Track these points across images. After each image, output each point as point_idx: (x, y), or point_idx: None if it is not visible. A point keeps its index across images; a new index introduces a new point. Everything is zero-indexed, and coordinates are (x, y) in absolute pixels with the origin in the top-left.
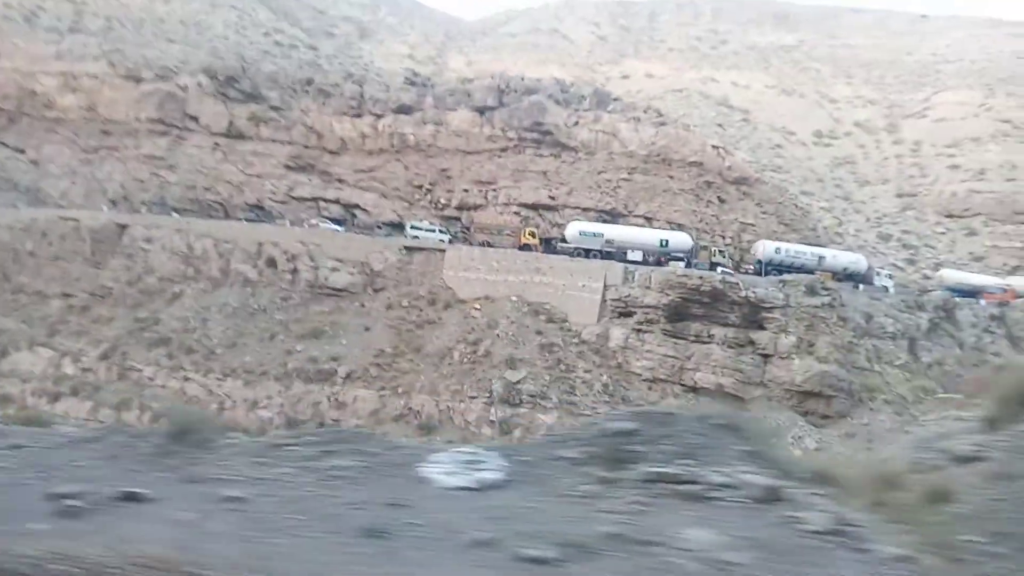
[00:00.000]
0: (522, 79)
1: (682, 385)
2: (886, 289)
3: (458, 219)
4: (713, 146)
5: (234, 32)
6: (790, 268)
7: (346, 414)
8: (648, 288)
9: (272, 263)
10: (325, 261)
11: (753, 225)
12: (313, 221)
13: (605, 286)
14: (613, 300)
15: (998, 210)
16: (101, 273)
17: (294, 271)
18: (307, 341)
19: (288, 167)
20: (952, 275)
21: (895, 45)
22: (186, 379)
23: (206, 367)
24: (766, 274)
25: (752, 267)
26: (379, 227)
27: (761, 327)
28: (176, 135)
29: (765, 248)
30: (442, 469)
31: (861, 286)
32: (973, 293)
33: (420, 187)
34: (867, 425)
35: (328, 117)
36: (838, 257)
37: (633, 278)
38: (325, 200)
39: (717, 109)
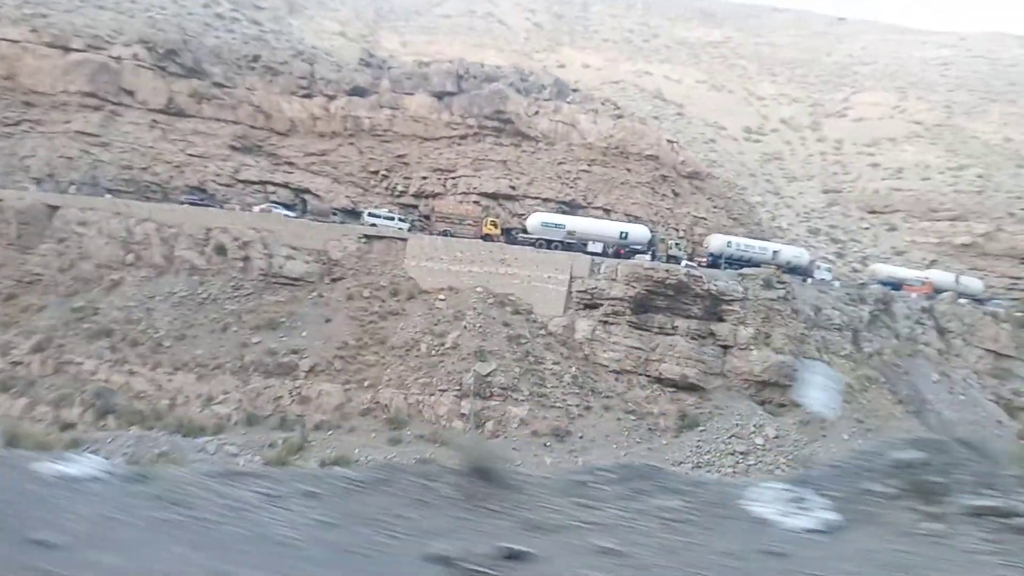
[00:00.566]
0: (482, 66)
1: (647, 376)
2: (832, 282)
3: (415, 207)
4: (668, 140)
5: (171, 2)
6: (739, 261)
7: (310, 409)
8: (614, 280)
9: (221, 250)
10: (279, 249)
11: (705, 219)
12: (264, 206)
13: (571, 278)
14: (579, 292)
15: (915, 207)
16: (29, 258)
17: (246, 259)
18: (263, 333)
19: (233, 148)
20: (883, 269)
21: (814, 45)
22: (131, 373)
23: (154, 360)
24: (716, 267)
25: (705, 260)
26: (334, 213)
27: (721, 319)
28: (110, 110)
29: (717, 242)
30: (773, 508)
31: (809, 280)
32: (898, 286)
33: (375, 173)
34: (819, 413)
35: (276, 96)
36: (783, 251)
37: (599, 270)
38: (273, 184)
39: (653, 102)
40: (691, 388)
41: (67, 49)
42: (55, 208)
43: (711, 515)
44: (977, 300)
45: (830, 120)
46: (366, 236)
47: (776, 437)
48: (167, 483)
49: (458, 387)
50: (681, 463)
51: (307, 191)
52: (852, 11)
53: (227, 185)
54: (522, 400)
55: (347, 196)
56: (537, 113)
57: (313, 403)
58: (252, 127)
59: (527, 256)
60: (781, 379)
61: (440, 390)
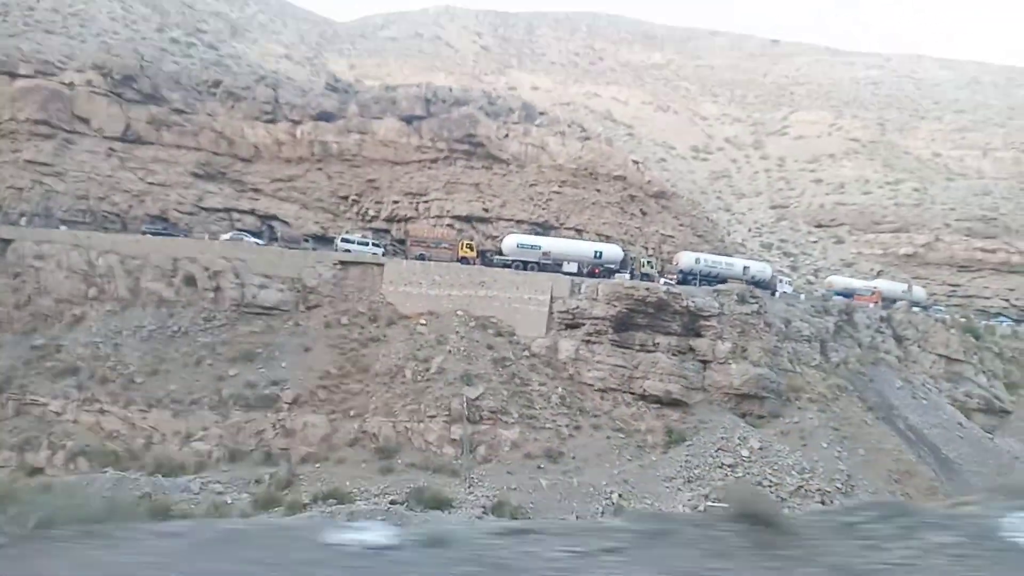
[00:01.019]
0: (450, 90)
1: (632, 393)
2: (798, 295)
3: (388, 231)
4: (633, 161)
5: (123, 26)
6: (708, 277)
7: (295, 442)
8: (595, 300)
9: (191, 281)
10: (252, 278)
11: (672, 236)
12: (230, 234)
13: (552, 298)
14: (560, 312)
15: (859, 220)
16: None
17: (217, 289)
18: (240, 365)
19: (196, 175)
20: (839, 281)
21: (751, 67)
22: (102, 412)
23: (125, 398)
24: (686, 283)
25: (676, 277)
26: (306, 240)
27: (699, 335)
28: (63, 138)
29: (686, 259)
30: None
31: (777, 293)
32: (851, 296)
33: (346, 198)
34: (797, 423)
35: (239, 122)
36: (750, 266)
37: (580, 290)
38: (238, 211)
39: (603, 123)
40: (675, 404)
41: (14, 75)
42: (8, 241)
43: (987, 549)
44: (922, 307)
45: (771, 138)
46: (341, 262)
47: (760, 448)
48: (466, 545)
49: (447, 412)
50: (672, 479)
51: (274, 217)
52: (785, 34)
53: (190, 213)
54: (512, 423)
55: (316, 222)
56: (507, 136)
57: (298, 435)
58: (215, 153)
59: (506, 278)
60: (760, 391)
61: (429, 416)
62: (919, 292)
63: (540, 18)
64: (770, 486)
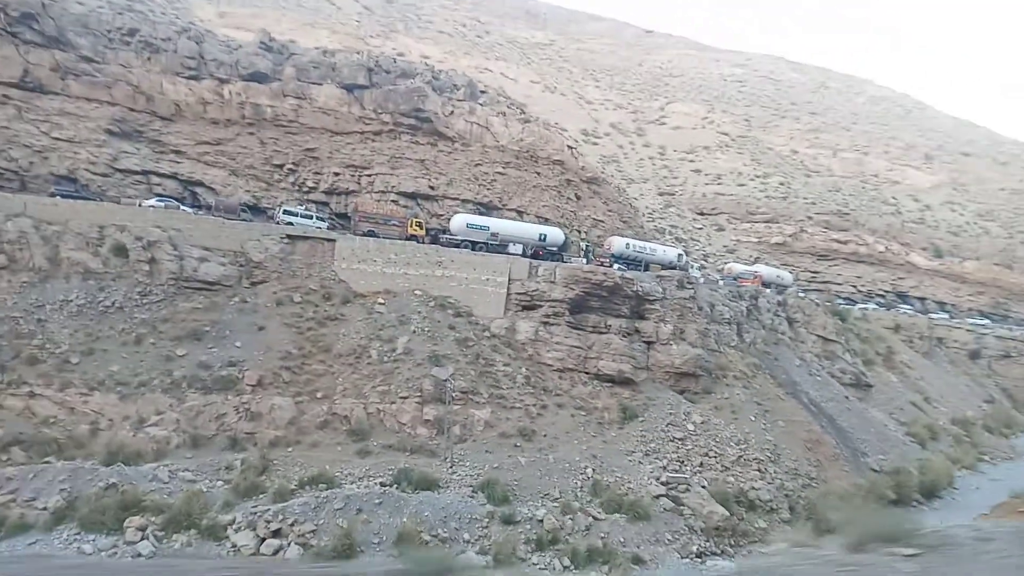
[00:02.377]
0: (394, 60)
1: (587, 373)
2: (718, 281)
3: (326, 204)
4: (568, 146)
5: None
6: (635, 261)
7: (262, 425)
8: (553, 283)
9: (121, 251)
10: (190, 250)
11: (603, 221)
12: (151, 201)
13: (510, 280)
14: (518, 294)
15: (736, 210)
16: None
17: (152, 261)
18: (187, 344)
19: (110, 132)
20: (736, 267)
21: (628, 55)
22: (32, 396)
23: (61, 380)
24: (616, 266)
25: (608, 260)
26: (244, 210)
27: (643, 317)
28: None
29: (618, 243)
30: None
31: (703, 279)
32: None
33: (280, 166)
34: (727, 399)
35: (156, 76)
36: (667, 252)
37: (537, 272)
38: (158, 175)
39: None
40: (626, 382)
41: None
42: None
43: None
44: (785, 289)
45: (651, 127)
46: (289, 236)
47: (703, 423)
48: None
49: (419, 393)
50: (632, 452)
51: (200, 184)
52: (658, 24)
53: (104, 175)
54: (483, 403)
55: (248, 190)
56: (452, 113)
57: (265, 419)
58: (131, 110)
59: (464, 259)
60: (696, 370)
61: (401, 397)
62: (787, 277)
63: None
64: (715, 457)
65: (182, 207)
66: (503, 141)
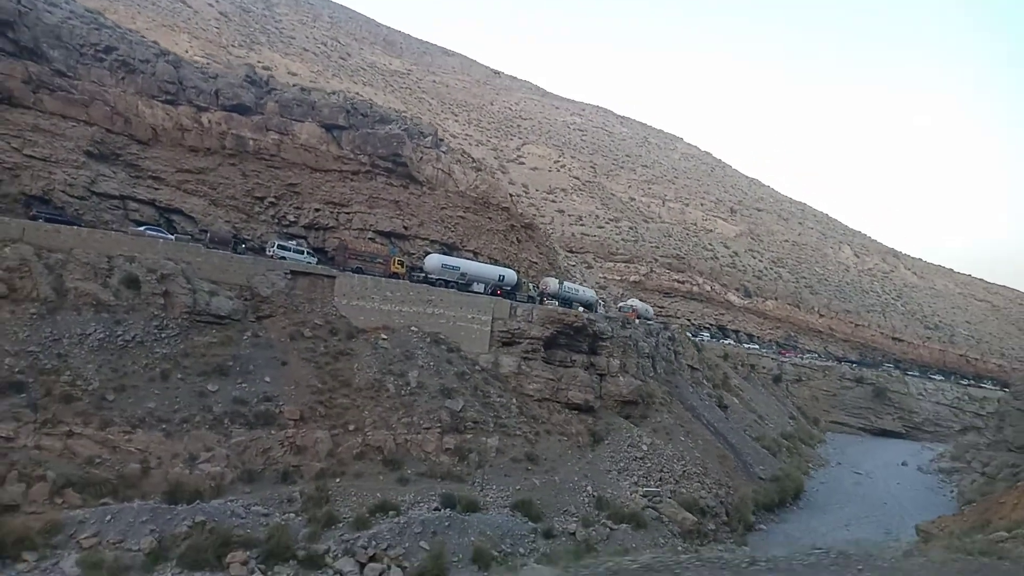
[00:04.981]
0: (370, 105)
1: (558, 402)
2: (642, 319)
3: (305, 238)
4: (510, 195)
5: None
6: (566, 300)
7: (306, 458)
8: (531, 322)
9: (133, 283)
10: (200, 284)
11: (536, 263)
12: (139, 228)
13: (493, 319)
14: (501, 332)
15: (600, 250)
16: None
17: (166, 294)
18: (215, 379)
19: (89, 154)
20: (636, 304)
21: (480, 92)
22: (70, 434)
23: (100, 418)
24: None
25: (546, 300)
26: (240, 243)
27: (596, 353)
28: None
29: (553, 284)
30: None
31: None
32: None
33: (262, 199)
34: (660, 422)
35: (131, 97)
36: (587, 292)
37: (516, 312)
38: (136, 200)
39: None
40: (588, 410)
41: None
42: None
43: None
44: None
45: (512, 165)
46: (292, 272)
47: (652, 444)
48: None
49: (439, 424)
50: (610, 471)
51: (178, 212)
52: (504, 65)
53: (80, 198)
54: (492, 431)
55: (227, 221)
56: (422, 159)
57: (309, 452)
58: (109, 131)
59: (451, 298)
60: (637, 398)
61: (424, 428)
62: (651, 311)
63: None
64: (667, 472)
65: (149, 233)
66: (462, 187)
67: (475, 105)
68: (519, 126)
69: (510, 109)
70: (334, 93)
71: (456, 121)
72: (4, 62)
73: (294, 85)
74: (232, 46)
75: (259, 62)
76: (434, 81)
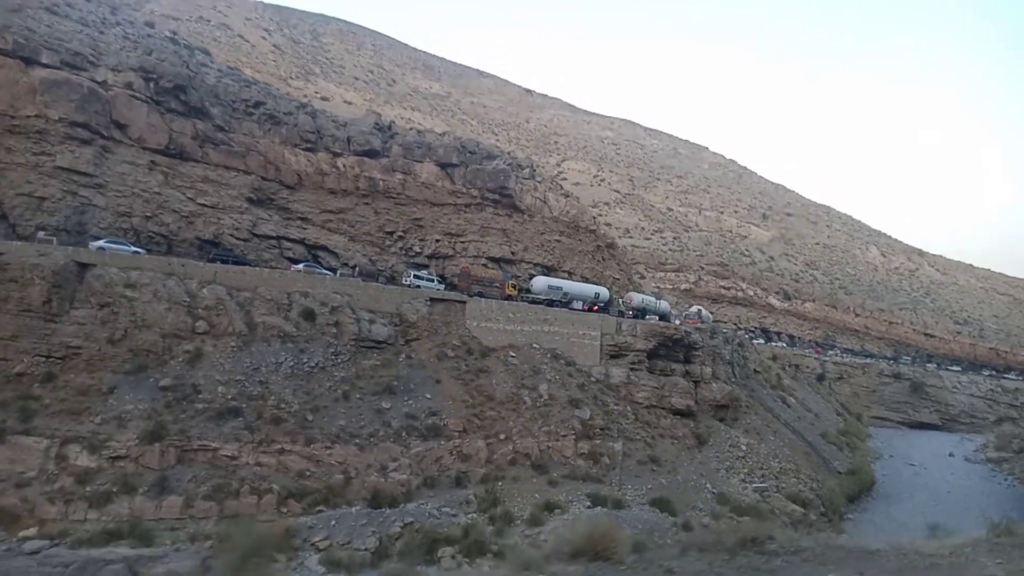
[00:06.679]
0: (477, 144)
1: (664, 408)
2: (715, 325)
3: (427, 267)
4: (594, 217)
5: (143, 25)
6: (646, 312)
7: (471, 465)
8: (635, 336)
9: (309, 315)
10: (361, 313)
11: (618, 279)
12: (301, 266)
13: (602, 334)
14: (608, 345)
15: (651, 261)
16: (57, 328)
17: (336, 324)
18: (387, 398)
19: (250, 200)
20: (693, 311)
21: (515, 111)
22: (282, 451)
23: (305, 436)
24: (638, 319)
25: (630, 313)
26: (382, 274)
27: (690, 361)
28: (101, 145)
29: (637, 299)
30: None
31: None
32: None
33: (391, 233)
34: (751, 423)
35: (279, 147)
36: (663, 304)
37: (621, 328)
38: (289, 240)
39: None
40: (690, 415)
41: (31, 62)
42: (85, 266)
43: None
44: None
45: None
46: (431, 299)
47: (748, 444)
48: None
49: (573, 432)
50: (718, 469)
51: (323, 248)
52: (535, 84)
53: (244, 240)
54: (616, 437)
55: (364, 255)
56: (523, 189)
57: (473, 459)
58: (263, 178)
59: (564, 316)
60: (729, 402)
61: (561, 435)
62: (710, 318)
63: (323, 24)
64: (766, 469)
65: (316, 270)
66: (556, 213)
67: (512, 124)
68: (556, 143)
69: (545, 126)
70: (444, 134)
71: (497, 141)
72: (177, 122)
73: (411, 128)
74: (290, 78)
75: (316, 93)
76: (472, 102)
